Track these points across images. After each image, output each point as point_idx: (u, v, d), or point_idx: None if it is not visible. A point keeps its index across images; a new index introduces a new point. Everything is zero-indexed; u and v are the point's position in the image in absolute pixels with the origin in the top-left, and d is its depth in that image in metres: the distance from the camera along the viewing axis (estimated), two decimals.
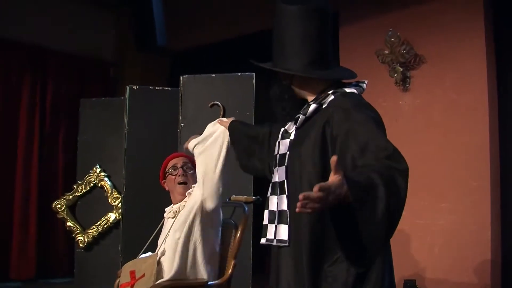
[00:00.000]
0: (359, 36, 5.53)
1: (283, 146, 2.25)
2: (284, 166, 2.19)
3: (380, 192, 1.77)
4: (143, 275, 3.08)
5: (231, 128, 2.89)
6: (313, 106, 2.16)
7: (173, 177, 3.31)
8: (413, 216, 4.99)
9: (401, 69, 5.12)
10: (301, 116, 2.19)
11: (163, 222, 3.40)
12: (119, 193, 5.70)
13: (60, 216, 5.95)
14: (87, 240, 5.83)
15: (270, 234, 2.20)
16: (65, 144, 6.94)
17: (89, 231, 5.84)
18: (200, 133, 3.11)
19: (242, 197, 3.59)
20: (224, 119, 2.96)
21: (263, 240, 2.25)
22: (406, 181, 1.87)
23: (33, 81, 6.81)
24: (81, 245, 5.83)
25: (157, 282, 3.00)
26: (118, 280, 3.31)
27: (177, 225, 3.17)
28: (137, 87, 5.30)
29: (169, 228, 3.24)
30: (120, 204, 5.58)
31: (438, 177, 4.91)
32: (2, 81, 6.56)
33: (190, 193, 3.25)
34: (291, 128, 2.25)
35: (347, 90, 2.18)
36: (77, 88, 7.11)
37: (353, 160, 1.93)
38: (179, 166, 3.33)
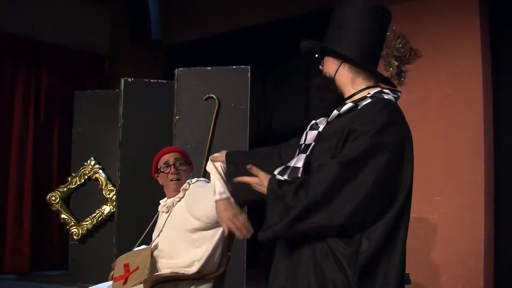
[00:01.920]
0: None
1: (310, 136, 2.25)
2: (305, 155, 2.18)
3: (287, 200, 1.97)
4: (137, 268, 3.08)
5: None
6: (348, 105, 2.15)
7: (166, 174, 3.27)
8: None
9: (396, 63, 5.13)
10: (335, 111, 2.18)
11: (158, 215, 3.40)
12: (114, 185, 5.71)
13: (54, 209, 5.95)
14: (81, 233, 5.84)
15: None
16: (59, 137, 6.92)
17: (84, 223, 5.84)
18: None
19: None
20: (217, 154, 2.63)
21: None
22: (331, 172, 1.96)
23: (28, 75, 6.77)
24: (75, 237, 5.84)
25: (151, 276, 3.00)
26: (112, 273, 3.31)
27: (174, 222, 3.16)
28: (132, 79, 5.30)
29: (164, 222, 3.24)
30: (114, 196, 5.58)
31: (432, 171, 4.92)
32: None
33: (185, 189, 3.23)
34: (322, 122, 2.25)
35: (386, 96, 2.17)
36: (71, 82, 7.07)
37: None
38: (171, 163, 3.27)
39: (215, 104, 4.82)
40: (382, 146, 2.00)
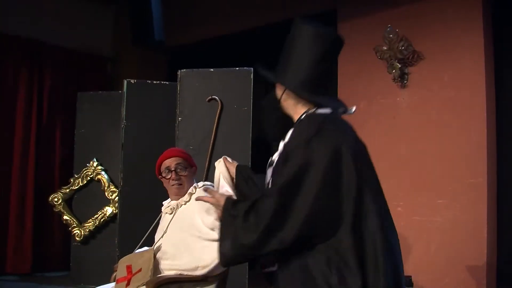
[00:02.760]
0: (357, 32, 5.52)
1: (268, 173, 2.34)
2: None
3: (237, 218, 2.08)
4: (140, 270, 3.07)
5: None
6: (290, 132, 2.23)
7: (167, 180, 3.25)
8: (410, 213, 5.00)
9: (399, 66, 5.12)
10: (281, 143, 2.26)
11: (161, 216, 3.39)
12: (116, 187, 5.70)
13: (56, 210, 5.95)
14: (84, 234, 5.83)
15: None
16: (62, 138, 6.93)
17: (86, 224, 5.84)
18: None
19: None
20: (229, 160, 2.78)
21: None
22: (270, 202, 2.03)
23: (30, 76, 6.78)
24: (77, 238, 5.84)
25: (154, 277, 3.00)
26: (114, 274, 3.30)
27: (179, 224, 3.15)
28: (135, 81, 5.29)
29: (167, 223, 3.23)
30: (116, 197, 5.58)
31: (435, 174, 4.92)
32: None
33: (191, 193, 3.22)
34: (276, 156, 2.31)
35: (320, 111, 2.23)
36: (74, 83, 7.08)
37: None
38: (172, 168, 3.22)
39: (217, 105, 4.81)
40: (313, 160, 2.05)
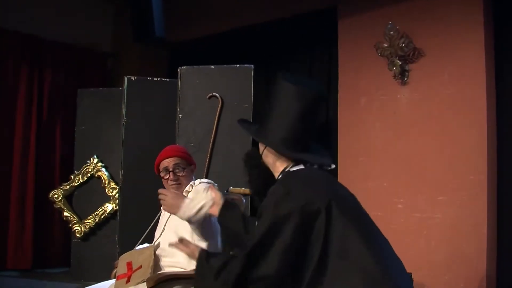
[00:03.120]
0: (358, 28, 5.52)
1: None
2: None
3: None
4: (140, 267, 3.08)
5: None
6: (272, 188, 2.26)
7: (165, 180, 3.26)
8: (410, 209, 5.00)
9: (400, 63, 5.12)
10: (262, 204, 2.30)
11: (160, 214, 3.40)
12: (116, 183, 5.71)
13: (57, 206, 5.96)
14: (84, 230, 5.84)
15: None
16: (62, 135, 6.93)
17: (86, 221, 5.85)
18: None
19: (240, 189, 3.57)
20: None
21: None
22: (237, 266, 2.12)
23: (31, 72, 6.77)
24: (78, 235, 5.85)
25: (155, 274, 3.00)
26: (115, 271, 3.31)
27: (175, 222, 3.15)
28: (135, 78, 5.30)
29: (165, 222, 3.24)
30: (117, 194, 5.59)
31: (435, 171, 4.92)
32: None
33: (187, 191, 3.22)
34: None
35: (293, 168, 2.28)
36: (74, 79, 7.08)
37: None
38: (170, 169, 3.23)
39: (218, 102, 4.82)
40: (279, 222, 2.09)
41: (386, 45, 5.17)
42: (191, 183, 3.26)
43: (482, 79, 4.76)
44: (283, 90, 2.30)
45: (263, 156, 2.39)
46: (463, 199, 4.75)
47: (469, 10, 4.85)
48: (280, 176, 2.29)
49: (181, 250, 2.41)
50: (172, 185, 3.22)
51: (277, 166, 2.33)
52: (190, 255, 2.36)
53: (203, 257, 2.26)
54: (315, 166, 2.33)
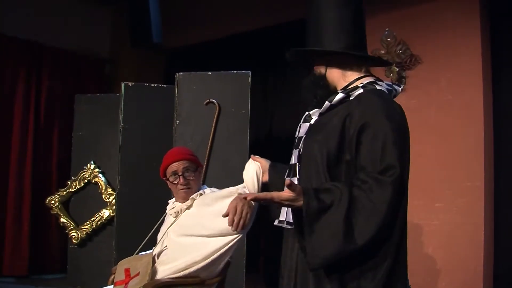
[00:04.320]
0: None
1: (302, 129, 2.24)
2: (298, 149, 2.19)
3: (337, 216, 1.88)
4: (138, 274, 3.06)
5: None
6: (340, 95, 2.14)
7: (175, 184, 3.16)
8: (407, 216, 5.00)
9: (397, 69, 5.13)
10: (326, 102, 2.17)
11: (165, 215, 3.34)
12: (113, 189, 5.70)
13: (53, 212, 5.94)
14: (81, 236, 5.83)
15: (282, 216, 2.21)
16: (59, 140, 6.93)
17: (83, 227, 5.84)
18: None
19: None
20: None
21: (276, 222, 2.25)
22: (389, 192, 1.90)
23: (28, 77, 6.78)
24: (74, 241, 5.83)
25: (152, 281, 2.99)
26: (112, 277, 3.30)
27: (179, 230, 3.12)
28: (133, 83, 5.30)
29: (168, 227, 3.20)
30: (114, 200, 5.58)
31: (432, 177, 4.92)
32: None
33: (194, 198, 3.17)
34: (316, 113, 2.23)
35: (378, 87, 2.15)
36: (72, 85, 7.09)
37: (357, 168, 2.00)
38: (179, 173, 3.13)
39: (215, 108, 4.81)
40: (404, 136, 2.04)
41: (383, 51, 5.18)
42: (201, 191, 3.19)
43: (479, 85, 4.77)
44: (322, 1, 2.22)
45: (327, 73, 2.24)
46: (460, 206, 4.75)
47: (466, 16, 4.87)
48: (362, 88, 2.12)
49: (285, 197, 1.93)
50: (181, 189, 3.13)
51: (348, 76, 2.20)
52: (294, 200, 1.91)
53: (312, 198, 1.91)
54: (392, 95, 2.22)
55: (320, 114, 2.20)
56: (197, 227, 3.01)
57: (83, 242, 5.86)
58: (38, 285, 6.07)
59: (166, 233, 3.18)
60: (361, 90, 2.12)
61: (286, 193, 1.90)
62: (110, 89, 7.29)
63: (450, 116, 4.91)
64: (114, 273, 3.25)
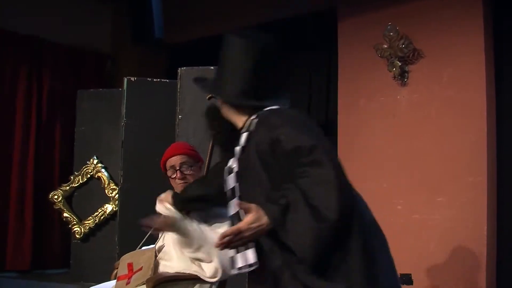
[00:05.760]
0: (357, 30, 5.52)
1: (230, 180, 2.31)
2: (236, 198, 2.26)
3: (299, 208, 1.91)
4: (141, 268, 3.07)
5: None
6: (245, 135, 2.24)
7: (173, 179, 3.21)
8: (409, 211, 5.01)
9: (400, 64, 5.12)
10: (236, 148, 2.27)
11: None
12: (116, 184, 5.70)
13: (56, 207, 5.95)
14: (84, 231, 5.84)
15: (240, 262, 2.22)
16: (62, 136, 6.92)
17: (86, 222, 5.85)
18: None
19: None
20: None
21: (235, 271, 2.28)
22: (327, 163, 1.95)
23: (30, 73, 6.77)
24: (77, 236, 5.84)
25: (154, 275, 2.99)
26: (115, 272, 3.30)
27: None
28: (135, 78, 5.30)
29: None
30: (117, 195, 5.58)
31: (435, 172, 4.92)
32: None
33: None
34: (234, 162, 2.31)
35: (267, 109, 2.26)
36: (73, 80, 7.07)
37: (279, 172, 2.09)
38: (177, 168, 3.19)
39: (218, 103, 4.81)
40: (305, 122, 2.15)
41: (385, 46, 5.17)
42: None
43: (481, 80, 4.77)
44: (232, 47, 2.33)
45: (223, 110, 2.41)
46: (463, 201, 4.75)
47: (469, 11, 4.86)
48: (257, 118, 2.23)
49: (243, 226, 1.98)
50: (179, 183, 3.17)
51: (242, 115, 2.33)
52: (255, 222, 1.96)
53: (276, 212, 1.95)
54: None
55: (239, 160, 2.28)
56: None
57: (86, 237, 5.87)
58: (41, 279, 6.08)
59: None
60: (257, 120, 2.24)
61: (249, 217, 1.95)
62: (112, 84, 7.27)
63: (452, 111, 4.90)
64: (117, 268, 3.26)
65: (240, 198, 2.22)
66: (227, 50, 2.35)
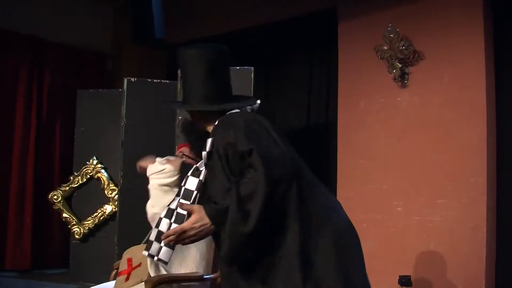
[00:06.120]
0: (358, 31, 5.52)
1: (190, 182, 2.40)
2: (190, 202, 2.35)
3: (230, 212, 2.00)
4: (140, 265, 3.09)
5: None
6: (209, 140, 2.28)
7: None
8: (410, 212, 5.00)
9: (400, 65, 5.11)
10: (203, 153, 2.32)
11: None
12: (116, 185, 5.71)
13: (56, 207, 5.96)
14: (83, 232, 5.84)
15: (153, 251, 2.44)
16: (62, 136, 6.92)
17: (85, 222, 5.85)
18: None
19: None
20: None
21: (145, 252, 2.46)
22: (258, 166, 2.02)
23: (30, 73, 6.77)
24: (77, 236, 5.85)
25: (152, 276, 3.00)
26: (114, 272, 3.31)
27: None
28: (135, 79, 5.30)
29: None
30: (116, 196, 5.58)
31: (435, 174, 4.92)
32: None
33: None
34: (201, 166, 2.40)
35: (228, 113, 2.34)
36: (74, 80, 7.07)
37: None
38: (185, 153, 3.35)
39: None
40: (252, 128, 2.18)
41: (386, 47, 5.17)
42: None
43: (482, 82, 4.76)
44: (185, 59, 2.43)
45: (196, 123, 2.50)
46: (463, 202, 4.75)
47: (469, 13, 4.86)
48: (217, 123, 2.31)
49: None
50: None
51: (210, 120, 2.39)
52: (198, 222, 2.07)
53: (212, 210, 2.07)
54: (248, 110, 2.43)
55: (205, 165, 2.35)
56: None
57: (86, 237, 5.87)
58: (41, 279, 6.07)
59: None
60: (216, 124, 2.31)
61: (192, 217, 2.06)
62: (112, 84, 7.27)
63: (452, 112, 4.90)
64: (116, 268, 3.27)
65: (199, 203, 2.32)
66: (183, 64, 2.44)
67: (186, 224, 2.06)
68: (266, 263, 2.08)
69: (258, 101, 2.51)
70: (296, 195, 2.08)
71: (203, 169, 2.38)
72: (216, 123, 2.31)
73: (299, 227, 2.07)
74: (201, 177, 2.38)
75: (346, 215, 2.29)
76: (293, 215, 2.07)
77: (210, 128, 2.39)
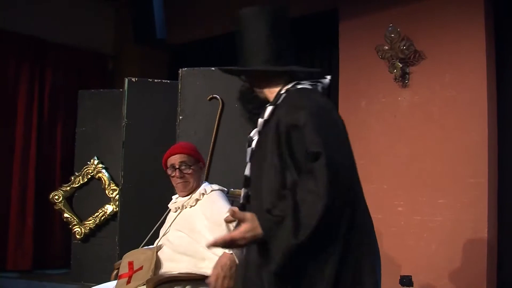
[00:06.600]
0: (359, 31, 5.52)
1: (248, 153, 2.29)
2: (244, 176, 2.27)
3: (286, 223, 1.88)
4: (141, 268, 3.08)
5: None
6: (269, 108, 2.17)
7: (172, 177, 3.26)
8: (411, 212, 5.00)
9: (401, 65, 5.11)
10: (260, 120, 2.21)
11: (169, 211, 3.38)
12: (117, 185, 5.71)
13: (57, 208, 5.96)
14: (84, 232, 5.84)
15: None
16: (63, 136, 6.94)
17: (86, 222, 5.85)
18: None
19: (240, 191, 3.56)
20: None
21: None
22: (322, 177, 1.89)
23: (31, 73, 6.79)
24: (78, 236, 5.85)
25: (155, 276, 3.00)
26: (115, 272, 3.31)
27: (181, 227, 3.15)
28: (136, 79, 5.30)
29: (170, 223, 3.23)
30: (117, 196, 5.59)
31: (436, 174, 4.92)
32: (0, 72, 6.54)
33: (197, 199, 3.21)
34: (256, 134, 2.26)
35: (299, 86, 2.20)
36: (75, 80, 7.09)
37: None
38: (176, 166, 3.22)
39: (219, 104, 4.81)
40: (324, 121, 2.05)
41: (386, 47, 5.17)
42: (201, 190, 3.24)
43: (483, 81, 4.76)
44: (246, 18, 2.37)
45: (256, 88, 2.34)
46: (464, 202, 4.74)
47: (470, 12, 4.86)
48: (285, 92, 2.17)
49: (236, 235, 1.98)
50: (178, 183, 3.23)
51: (273, 86, 2.26)
52: (250, 230, 1.94)
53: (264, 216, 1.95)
54: (319, 89, 2.28)
55: (259, 133, 2.23)
56: (194, 233, 3.10)
57: (87, 237, 5.88)
58: (42, 280, 6.08)
59: (168, 229, 3.21)
60: (285, 95, 2.17)
61: (244, 226, 1.93)
62: (113, 85, 7.28)
63: (454, 112, 4.90)
64: (117, 268, 3.27)
65: (249, 177, 2.24)
66: (243, 25, 2.36)
67: (236, 234, 1.94)
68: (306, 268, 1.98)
69: (329, 77, 2.34)
70: (349, 218, 1.99)
71: (255, 137, 2.24)
72: (282, 91, 2.18)
73: (340, 256, 1.96)
74: (253, 146, 2.24)
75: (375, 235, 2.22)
76: (339, 239, 1.96)
77: (271, 95, 2.25)
